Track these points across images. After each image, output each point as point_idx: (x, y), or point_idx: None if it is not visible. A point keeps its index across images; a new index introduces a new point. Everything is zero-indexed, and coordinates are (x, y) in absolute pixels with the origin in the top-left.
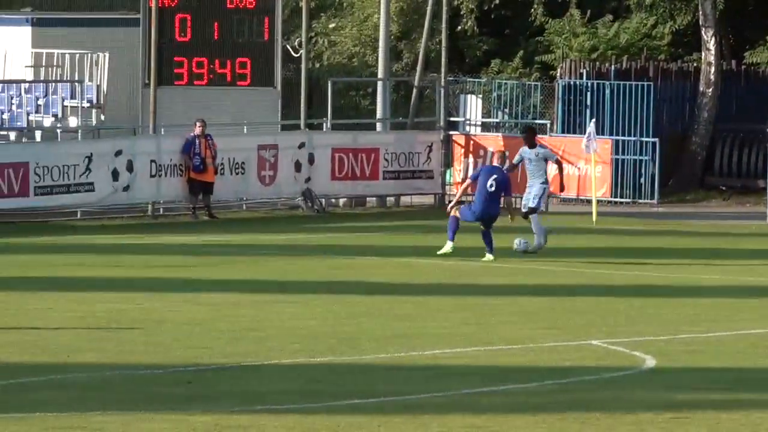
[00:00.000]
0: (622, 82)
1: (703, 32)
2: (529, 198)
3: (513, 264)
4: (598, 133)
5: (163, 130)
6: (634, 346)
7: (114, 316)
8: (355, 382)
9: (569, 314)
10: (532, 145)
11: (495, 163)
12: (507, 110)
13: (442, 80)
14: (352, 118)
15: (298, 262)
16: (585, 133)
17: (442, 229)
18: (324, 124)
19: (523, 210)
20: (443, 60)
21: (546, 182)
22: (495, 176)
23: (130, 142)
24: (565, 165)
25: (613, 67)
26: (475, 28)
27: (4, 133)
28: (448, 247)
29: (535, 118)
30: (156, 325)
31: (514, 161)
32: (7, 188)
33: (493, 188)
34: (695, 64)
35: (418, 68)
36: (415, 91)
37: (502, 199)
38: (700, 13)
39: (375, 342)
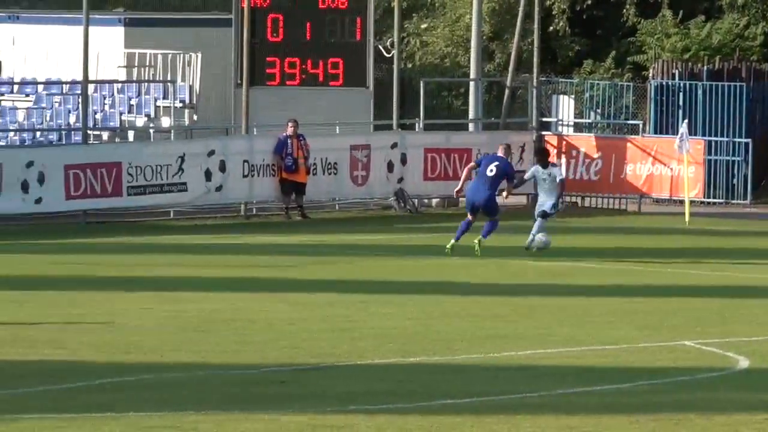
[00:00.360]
0: (714, 83)
1: None
2: (546, 204)
3: (604, 264)
4: (690, 134)
5: (255, 130)
6: (728, 347)
7: (207, 315)
8: (449, 383)
9: (662, 315)
10: (545, 165)
11: (500, 154)
12: (599, 111)
13: (535, 80)
14: (444, 118)
15: (391, 262)
16: (677, 134)
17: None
18: (416, 125)
19: (537, 212)
20: (535, 60)
21: (561, 196)
22: (497, 163)
23: (222, 142)
24: (657, 165)
25: (705, 67)
26: (567, 28)
27: (97, 133)
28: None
29: (628, 119)
30: (249, 324)
31: (526, 177)
32: (100, 188)
33: (492, 173)
34: None
35: (511, 68)
36: (507, 91)
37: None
38: None
39: (468, 342)
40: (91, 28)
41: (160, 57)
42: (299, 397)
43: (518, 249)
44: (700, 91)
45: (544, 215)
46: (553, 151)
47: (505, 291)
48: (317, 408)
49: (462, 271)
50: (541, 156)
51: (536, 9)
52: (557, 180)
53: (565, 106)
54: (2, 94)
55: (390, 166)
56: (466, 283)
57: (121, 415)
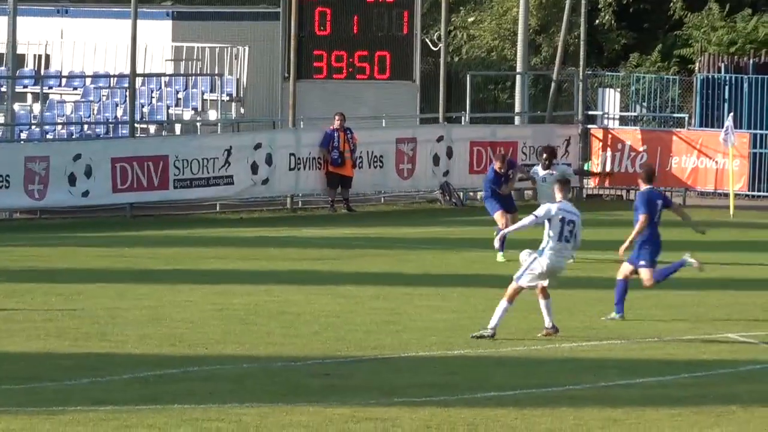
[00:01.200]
0: (760, 76)
1: None
2: None
3: None
4: (736, 127)
5: (302, 123)
6: None
7: (252, 308)
8: (492, 375)
9: (706, 308)
10: (549, 165)
11: (497, 168)
12: (645, 104)
13: (581, 74)
14: (490, 111)
15: (436, 255)
16: (723, 127)
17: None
18: (462, 118)
19: None
20: (582, 54)
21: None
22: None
23: (269, 135)
24: (702, 158)
25: (751, 60)
26: (614, 21)
27: (144, 126)
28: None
29: (673, 112)
30: (294, 317)
31: (531, 173)
32: (146, 181)
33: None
34: None
35: (557, 62)
36: (553, 84)
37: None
38: None
39: (513, 335)
40: (139, 22)
41: (207, 50)
42: (343, 389)
43: None
44: (745, 85)
45: None
46: (597, 144)
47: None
48: (361, 400)
49: (506, 265)
50: (547, 156)
51: (583, 2)
52: (569, 174)
53: (611, 100)
54: (50, 88)
55: (436, 160)
56: (510, 276)
57: (165, 407)
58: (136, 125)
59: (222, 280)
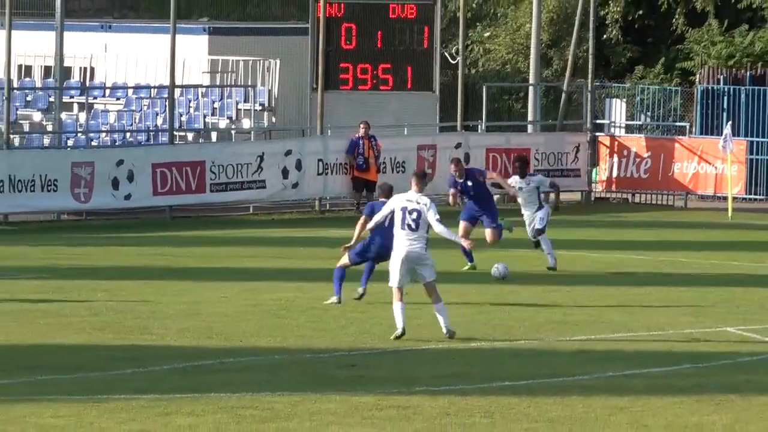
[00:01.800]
0: (757, 87)
1: None
2: (536, 220)
3: (653, 256)
4: (734, 135)
5: (329, 131)
6: None
7: (283, 304)
8: (507, 366)
9: (706, 303)
10: (523, 174)
11: (452, 172)
12: (649, 113)
13: (589, 85)
14: (505, 120)
15: (453, 253)
16: (722, 135)
17: (588, 224)
18: (479, 126)
19: (531, 234)
20: (590, 66)
21: (542, 207)
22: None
23: (299, 142)
24: (703, 164)
25: (748, 73)
26: (620, 36)
27: (183, 134)
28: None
29: (675, 121)
30: (322, 312)
31: (509, 181)
32: (185, 185)
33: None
34: None
35: (567, 74)
36: (563, 95)
37: None
38: None
39: (526, 328)
40: (177, 37)
41: (241, 63)
42: (368, 379)
43: (573, 241)
44: (743, 95)
45: (540, 233)
46: (605, 151)
47: (560, 280)
48: (385, 389)
49: (519, 262)
50: (520, 165)
51: (591, 18)
52: (541, 188)
53: (618, 109)
54: (95, 98)
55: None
56: (523, 273)
57: (202, 395)
58: (175, 133)
59: (255, 277)
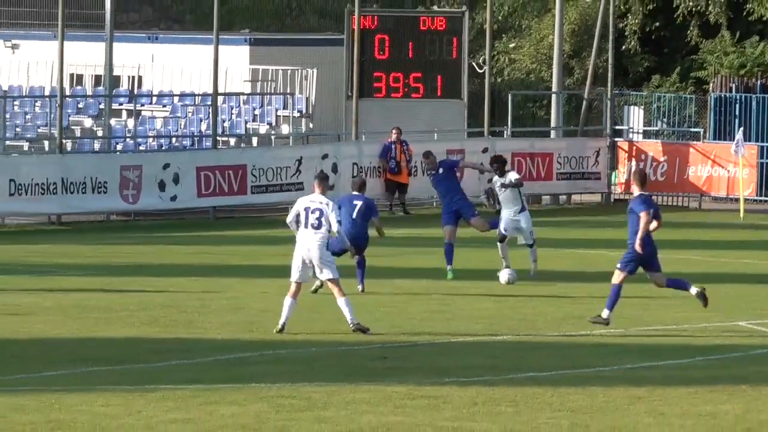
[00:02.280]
0: (767, 95)
1: None
2: (525, 235)
3: (668, 255)
4: (745, 140)
5: (363, 136)
6: None
7: (319, 299)
8: (531, 358)
9: (719, 299)
10: (502, 173)
11: (426, 163)
12: (665, 120)
13: (609, 93)
14: (529, 126)
15: (481, 252)
16: (734, 140)
17: (608, 224)
18: (505, 132)
19: (527, 242)
20: (609, 75)
21: (525, 209)
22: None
23: (334, 147)
24: (716, 168)
25: (759, 82)
26: (638, 47)
27: (225, 139)
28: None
29: (690, 127)
30: (356, 307)
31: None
32: (227, 187)
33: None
34: None
35: (588, 82)
36: (584, 102)
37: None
38: None
39: (549, 323)
40: (220, 47)
41: (280, 72)
42: (400, 370)
43: (593, 240)
44: (754, 103)
45: (531, 245)
46: (623, 155)
47: (581, 278)
48: (416, 380)
49: (542, 261)
50: (498, 166)
51: (611, 30)
52: (514, 180)
53: (636, 116)
54: (142, 105)
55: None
56: (547, 271)
57: (244, 385)
58: (218, 138)
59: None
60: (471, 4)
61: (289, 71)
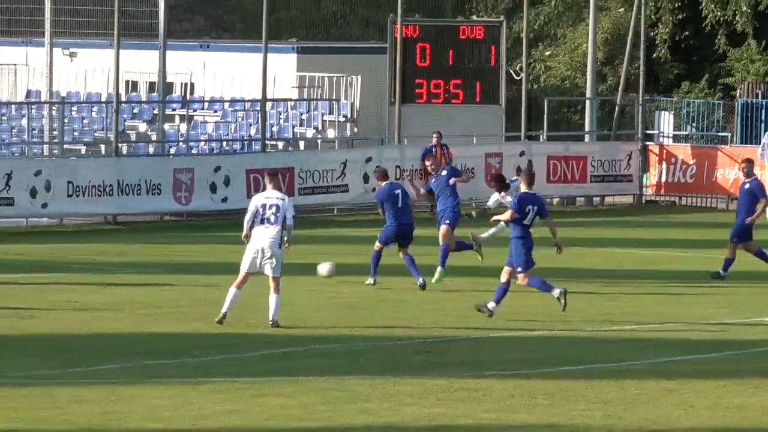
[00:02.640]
0: None
1: None
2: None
3: (697, 254)
4: None
5: (406, 140)
6: None
7: (364, 296)
8: (566, 352)
9: (745, 296)
10: (500, 190)
11: (428, 166)
12: (694, 124)
13: (640, 99)
14: (564, 131)
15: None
16: (760, 144)
17: (639, 225)
18: (540, 136)
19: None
20: (641, 82)
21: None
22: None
23: (378, 150)
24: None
25: None
26: (668, 55)
27: (273, 142)
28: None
29: (718, 131)
30: (399, 304)
31: (490, 204)
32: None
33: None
34: None
35: (620, 89)
36: (617, 108)
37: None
38: None
39: (582, 318)
40: (269, 55)
41: (326, 79)
42: (442, 364)
43: (625, 240)
44: None
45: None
46: (654, 159)
47: (614, 275)
48: (457, 373)
49: (572, 260)
50: (497, 184)
51: (642, 38)
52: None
53: (666, 121)
54: (195, 110)
55: (518, 171)
56: (579, 269)
57: (292, 378)
58: (266, 142)
59: (338, 272)
60: (508, 13)
61: (334, 78)
